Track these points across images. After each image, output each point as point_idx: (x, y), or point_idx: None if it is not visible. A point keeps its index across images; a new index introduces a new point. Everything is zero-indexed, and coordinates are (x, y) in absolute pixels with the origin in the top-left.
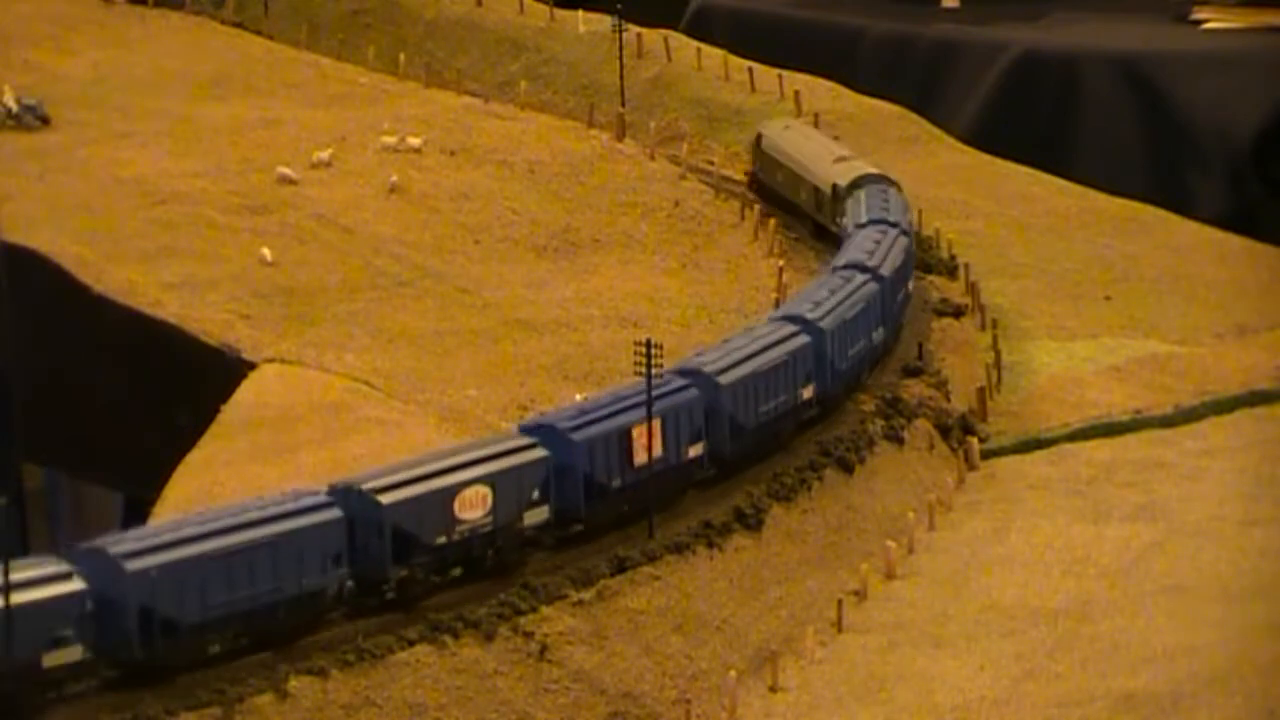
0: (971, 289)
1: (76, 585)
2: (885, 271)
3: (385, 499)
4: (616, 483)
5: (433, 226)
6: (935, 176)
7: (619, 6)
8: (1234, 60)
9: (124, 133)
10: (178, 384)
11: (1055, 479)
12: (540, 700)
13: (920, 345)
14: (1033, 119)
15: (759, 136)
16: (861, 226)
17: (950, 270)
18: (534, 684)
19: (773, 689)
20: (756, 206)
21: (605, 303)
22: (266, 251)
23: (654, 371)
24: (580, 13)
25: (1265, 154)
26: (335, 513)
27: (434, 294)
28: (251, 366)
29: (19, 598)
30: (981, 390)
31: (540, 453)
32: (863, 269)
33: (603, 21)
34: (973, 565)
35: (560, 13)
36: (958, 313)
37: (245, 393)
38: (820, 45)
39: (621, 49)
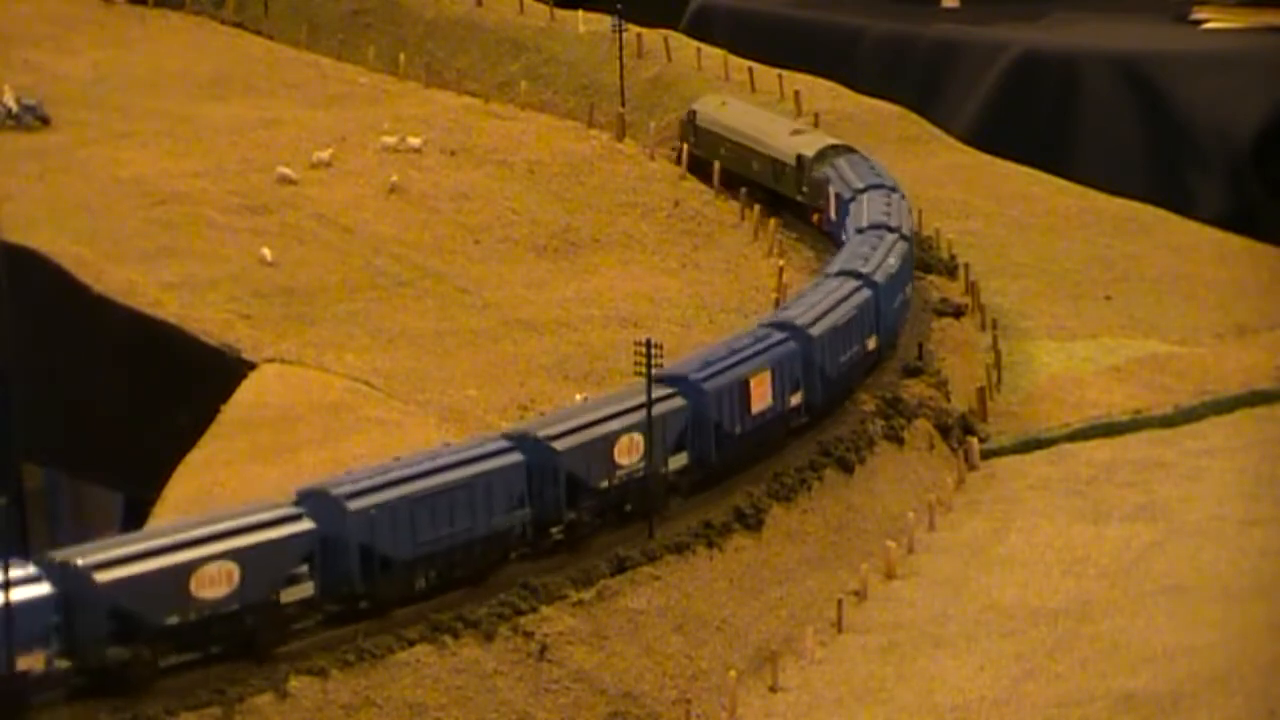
0: (971, 289)
1: (307, 525)
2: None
3: (559, 445)
4: (738, 429)
5: (433, 226)
6: (935, 176)
7: (619, 6)
8: (1234, 60)
9: (124, 133)
10: (178, 384)
11: (1055, 479)
12: (540, 700)
13: (920, 345)
14: (1033, 119)
15: (692, 113)
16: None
17: (950, 270)
18: (534, 684)
19: (773, 689)
20: (756, 206)
21: (605, 303)
22: (266, 251)
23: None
24: (580, 13)
25: (1265, 154)
26: (517, 457)
27: (434, 294)
28: (251, 366)
29: (259, 537)
30: (981, 390)
31: (680, 401)
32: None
33: (603, 21)
34: (973, 565)
35: (560, 13)
36: (958, 313)
37: (245, 393)
38: (820, 45)
39: (621, 49)
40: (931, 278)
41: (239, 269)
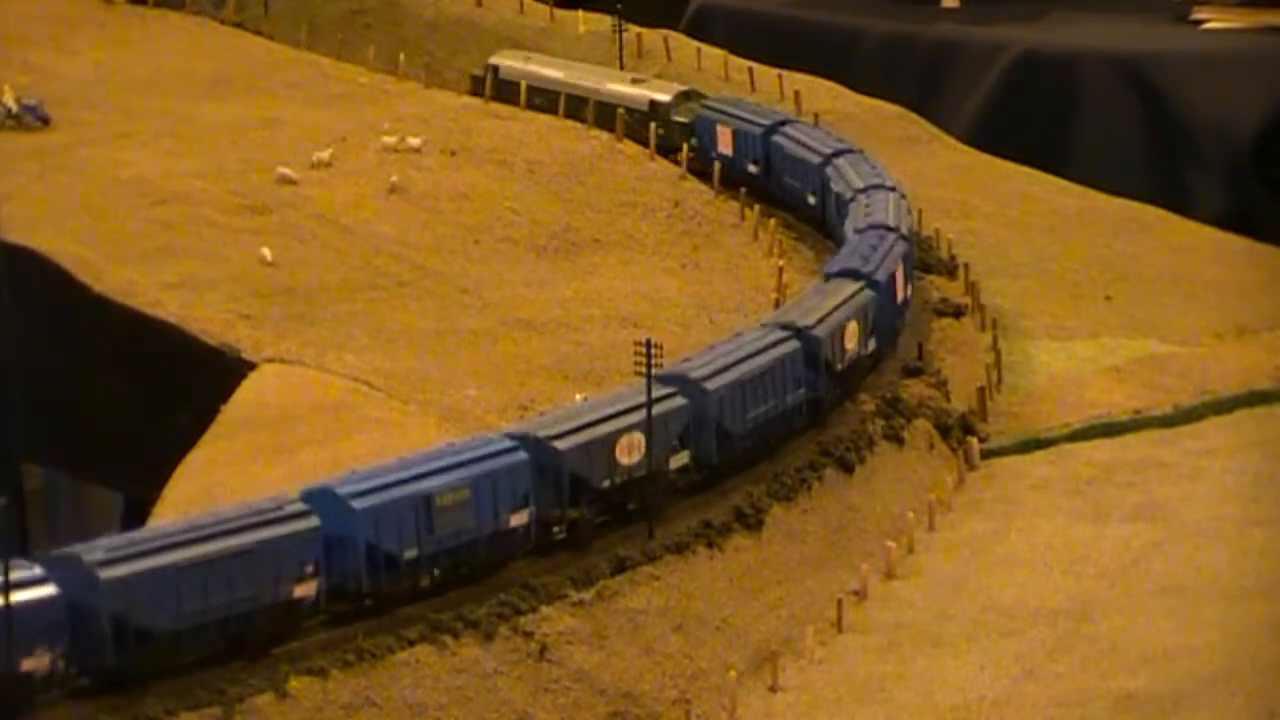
0: (971, 289)
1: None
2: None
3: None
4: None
5: (433, 226)
6: (935, 176)
7: (619, 6)
8: (1234, 60)
9: (124, 133)
10: (178, 384)
11: (1055, 479)
12: (540, 700)
13: (920, 345)
14: (1033, 119)
15: (494, 68)
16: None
17: (950, 270)
18: (534, 684)
19: (773, 689)
20: (756, 206)
21: (605, 303)
22: (266, 251)
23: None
24: (580, 13)
25: (1265, 154)
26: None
27: (434, 294)
28: (251, 366)
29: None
30: (981, 390)
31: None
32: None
33: (603, 21)
34: (973, 565)
35: (560, 13)
36: (958, 313)
37: (245, 393)
38: (820, 45)
39: (621, 49)
40: (931, 278)
41: (239, 269)
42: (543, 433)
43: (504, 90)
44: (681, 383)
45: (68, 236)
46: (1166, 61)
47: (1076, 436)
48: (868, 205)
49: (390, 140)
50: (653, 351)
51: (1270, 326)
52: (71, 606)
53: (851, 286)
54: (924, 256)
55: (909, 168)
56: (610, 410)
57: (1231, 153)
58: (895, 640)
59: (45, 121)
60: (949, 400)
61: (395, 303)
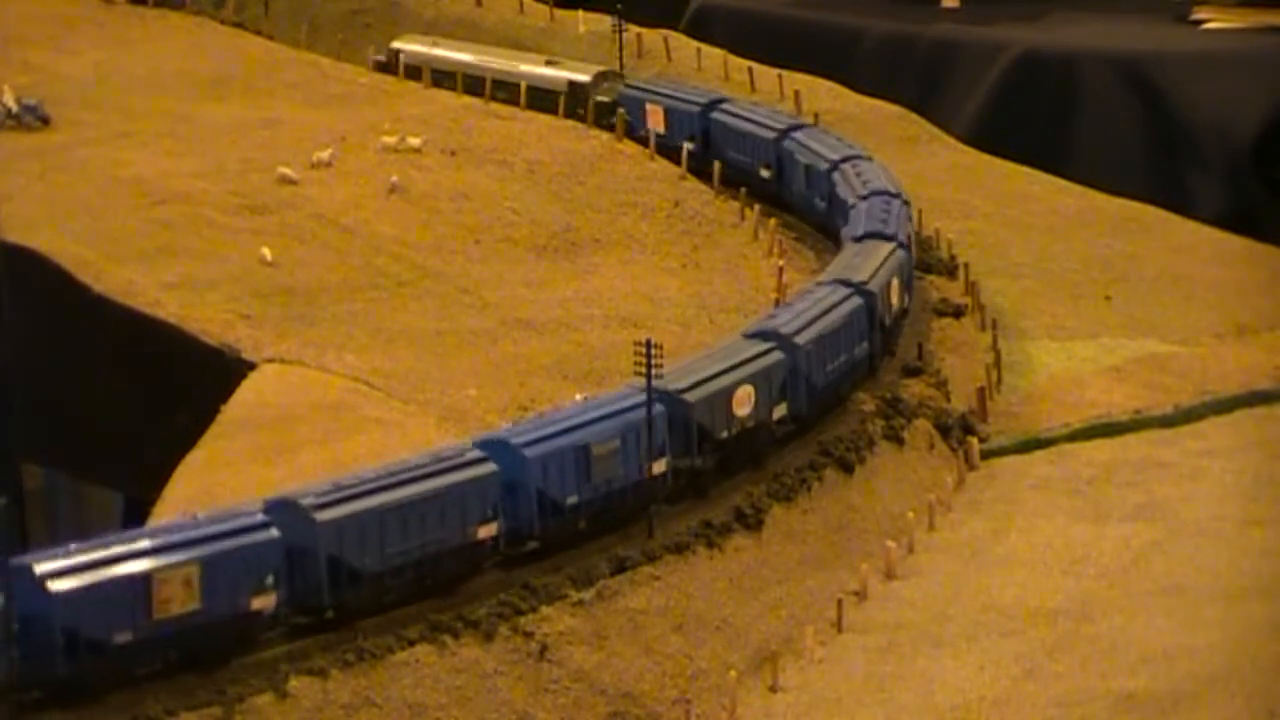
0: (971, 289)
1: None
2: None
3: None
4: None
5: (433, 226)
6: (935, 176)
7: (619, 6)
8: (1234, 60)
9: (124, 133)
10: (178, 384)
11: (1055, 479)
12: (540, 700)
13: (920, 345)
14: (1033, 119)
15: (395, 51)
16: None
17: (950, 270)
18: (534, 684)
19: (773, 689)
20: (756, 206)
21: (605, 303)
22: (266, 251)
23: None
24: (580, 13)
25: (1265, 154)
26: (661, 408)
27: (434, 294)
28: (251, 366)
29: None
30: (981, 390)
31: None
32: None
33: (603, 21)
34: (973, 565)
35: (560, 13)
36: (958, 313)
37: (245, 393)
38: (820, 45)
39: (621, 49)
40: (931, 278)
41: (239, 269)
42: (673, 386)
43: (409, 76)
44: (777, 338)
45: (68, 236)
46: (1166, 61)
47: (1076, 436)
48: (858, 173)
49: (390, 140)
50: (653, 351)
51: (1270, 326)
52: (291, 549)
53: (886, 247)
54: (924, 256)
55: (909, 168)
56: (726, 364)
57: (1231, 153)
58: (895, 640)
59: (45, 121)
60: (949, 400)
61: (395, 303)
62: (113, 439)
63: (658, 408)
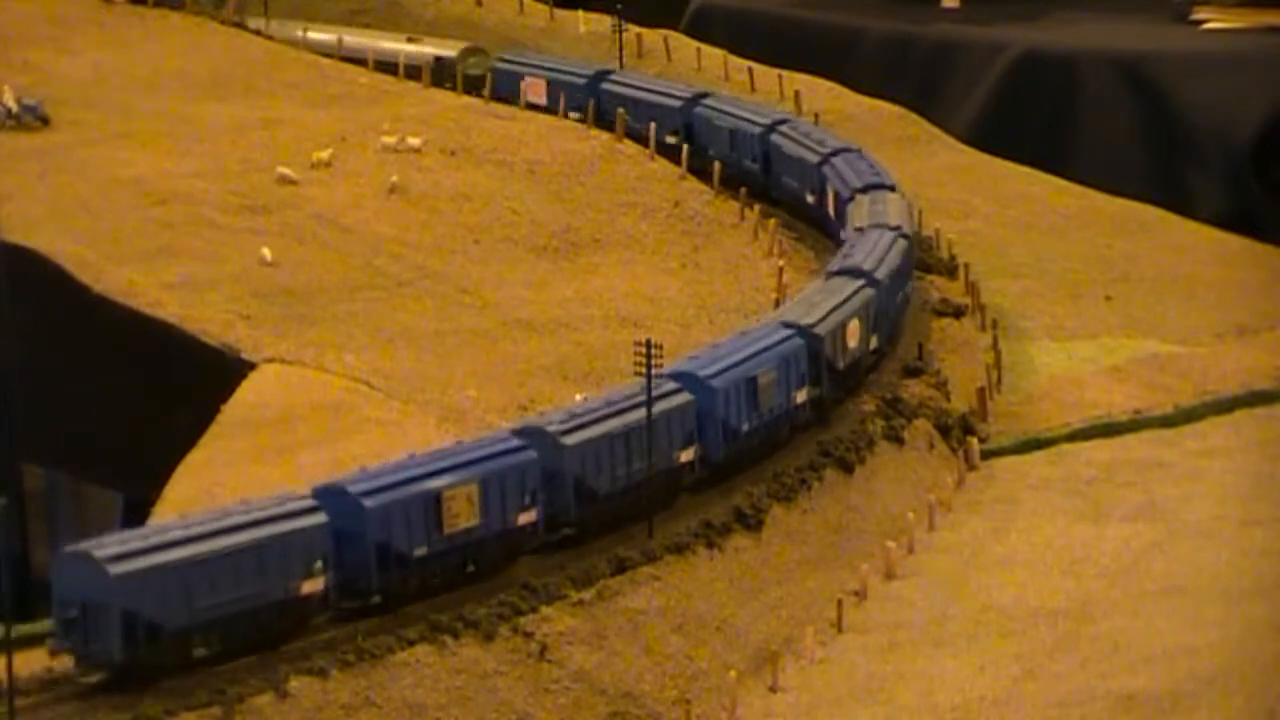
0: (971, 289)
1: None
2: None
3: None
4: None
5: (433, 226)
6: (935, 176)
7: (619, 6)
8: (1234, 60)
9: (124, 133)
10: (178, 384)
11: (1055, 479)
12: (540, 700)
13: (920, 345)
14: (1033, 119)
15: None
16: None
17: (950, 270)
18: (534, 684)
19: (773, 689)
20: (756, 206)
21: (605, 303)
22: (266, 251)
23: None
24: (580, 13)
25: (1265, 154)
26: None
27: (434, 294)
28: (251, 366)
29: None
30: (981, 390)
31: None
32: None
33: (603, 21)
34: (973, 565)
35: (560, 13)
36: (958, 313)
37: (245, 393)
38: (820, 45)
39: (621, 49)
40: (931, 278)
41: (239, 269)
42: (805, 321)
43: None
44: (865, 275)
45: (68, 236)
46: (1166, 61)
47: (1076, 436)
48: (793, 132)
49: (390, 140)
50: (653, 351)
51: (1270, 326)
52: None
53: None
54: (924, 256)
55: (909, 168)
56: (840, 298)
57: (1231, 153)
58: (895, 640)
59: (45, 121)
60: (949, 400)
61: (395, 303)
62: (113, 439)
63: (799, 341)
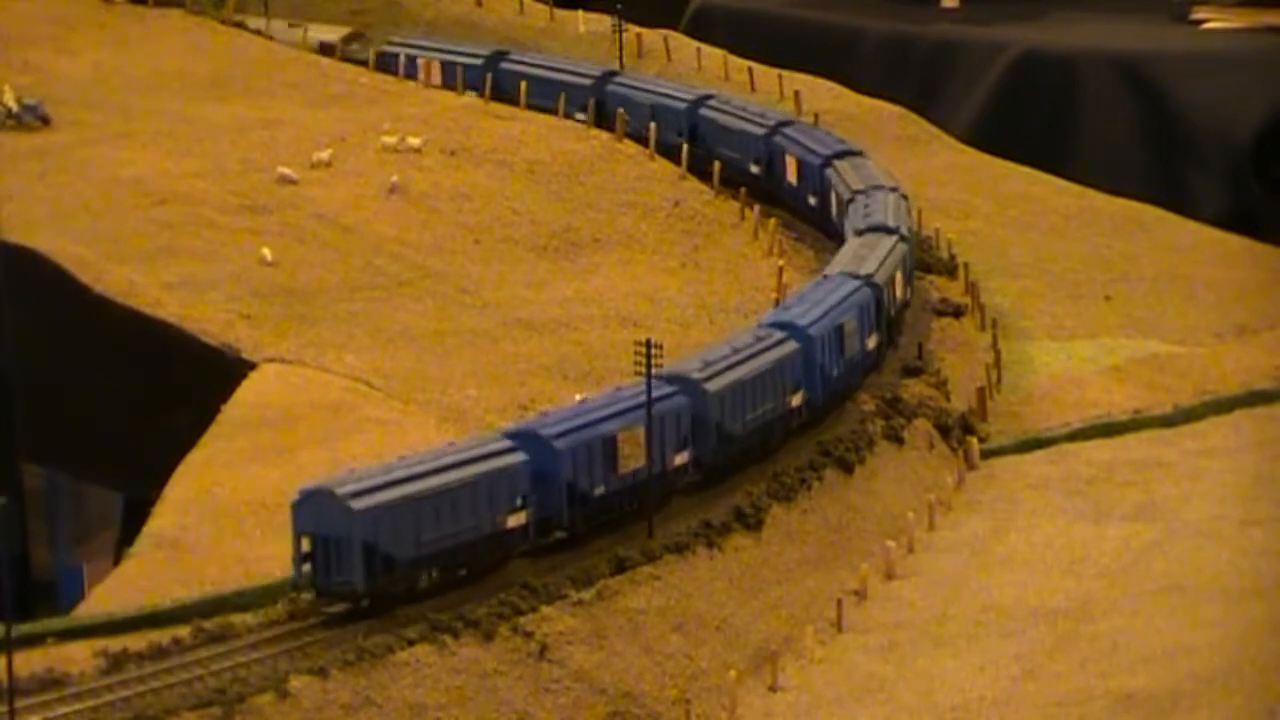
0: (971, 289)
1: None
2: (880, 280)
3: (879, 279)
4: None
5: (433, 226)
6: (935, 176)
7: (619, 6)
8: (1234, 60)
9: (124, 133)
10: (178, 384)
11: (1055, 479)
12: (540, 700)
13: (920, 345)
14: (1033, 119)
15: None
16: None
17: (950, 270)
18: (534, 684)
19: (773, 689)
20: (756, 206)
21: (605, 303)
22: (266, 251)
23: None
24: (580, 13)
25: (1265, 154)
26: (870, 293)
27: (434, 294)
28: (251, 366)
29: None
30: (981, 390)
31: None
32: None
33: (603, 21)
34: (973, 565)
35: (560, 13)
36: (958, 313)
37: (245, 393)
38: (820, 45)
39: (621, 49)
40: (931, 278)
41: (239, 269)
42: (863, 270)
43: None
44: (893, 231)
45: (68, 236)
46: (1166, 61)
47: (1076, 436)
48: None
49: (390, 140)
50: (653, 351)
51: (1270, 326)
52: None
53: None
54: (924, 256)
55: (909, 168)
56: (883, 253)
57: (1231, 153)
58: (895, 640)
59: (45, 121)
60: (949, 400)
61: (395, 303)
62: (113, 439)
63: (869, 292)
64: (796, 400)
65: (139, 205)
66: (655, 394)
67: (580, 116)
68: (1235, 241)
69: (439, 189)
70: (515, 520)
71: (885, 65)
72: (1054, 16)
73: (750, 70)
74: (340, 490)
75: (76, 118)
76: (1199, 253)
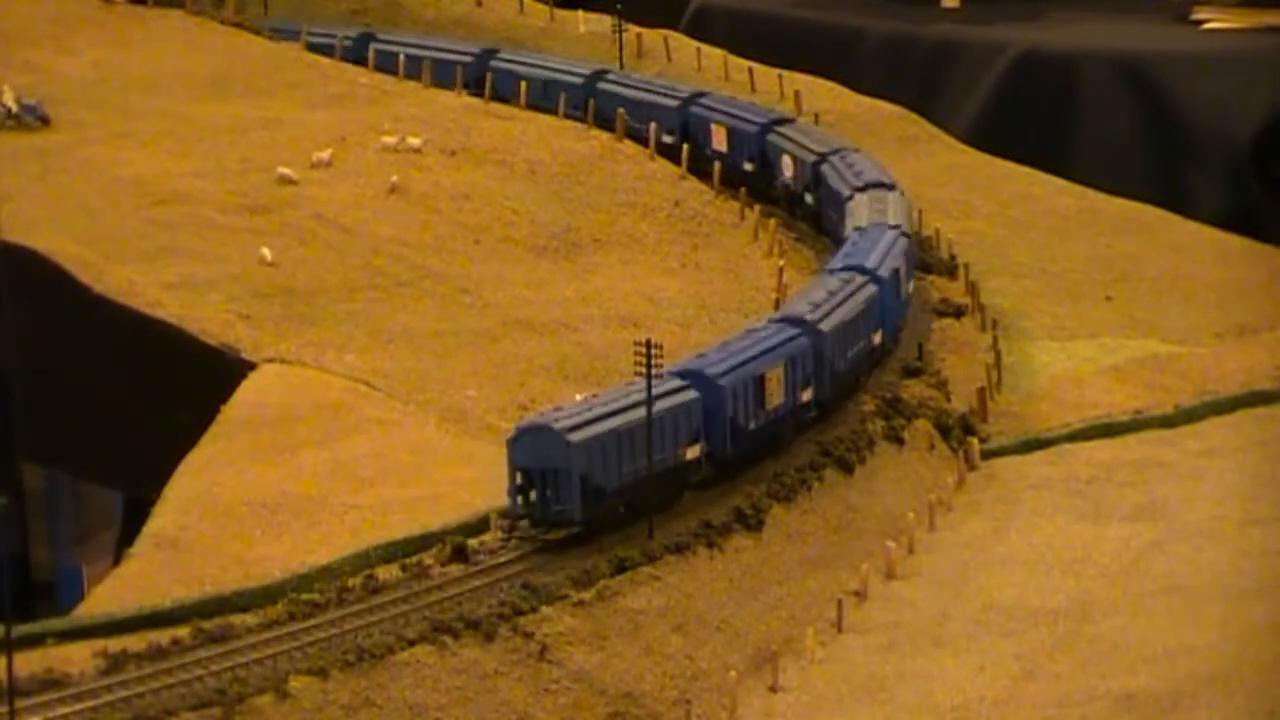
0: (971, 289)
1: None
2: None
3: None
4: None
5: (433, 226)
6: (935, 176)
7: (619, 6)
8: (1234, 60)
9: (124, 133)
10: (178, 384)
11: (1055, 479)
12: (540, 701)
13: (920, 345)
14: (1033, 119)
15: None
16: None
17: (950, 270)
18: (534, 684)
19: (773, 689)
20: (756, 206)
21: (605, 303)
22: (266, 251)
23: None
24: (580, 13)
25: (1265, 154)
26: (869, 286)
27: (434, 294)
28: (251, 366)
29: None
30: (981, 390)
31: (907, 240)
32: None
33: (603, 21)
34: (973, 565)
35: (560, 13)
36: (958, 313)
37: (245, 393)
38: (820, 45)
39: (621, 49)
40: (931, 278)
41: (239, 269)
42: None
43: None
44: (892, 186)
45: (68, 236)
46: (1166, 61)
47: (1076, 436)
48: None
49: (390, 140)
50: (653, 351)
51: (1270, 326)
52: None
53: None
54: (924, 256)
55: (909, 168)
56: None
57: (1231, 153)
58: (895, 640)
59: (45, 121)
60: (949, 400)
61: (395, 303)
62: (113, 439)
63: (905, 239)
64: (877, 339)
65: (139, 205)
66: (783, 336)
67: (466, 93)
68: (1235, 241)
69: (439, 189)
70: (692, 453)
71: (885, 65)
72: (1054, 16)
73: (750, 70)
74: (559, 425)
75: (76, 118)
76: (1199, 253)
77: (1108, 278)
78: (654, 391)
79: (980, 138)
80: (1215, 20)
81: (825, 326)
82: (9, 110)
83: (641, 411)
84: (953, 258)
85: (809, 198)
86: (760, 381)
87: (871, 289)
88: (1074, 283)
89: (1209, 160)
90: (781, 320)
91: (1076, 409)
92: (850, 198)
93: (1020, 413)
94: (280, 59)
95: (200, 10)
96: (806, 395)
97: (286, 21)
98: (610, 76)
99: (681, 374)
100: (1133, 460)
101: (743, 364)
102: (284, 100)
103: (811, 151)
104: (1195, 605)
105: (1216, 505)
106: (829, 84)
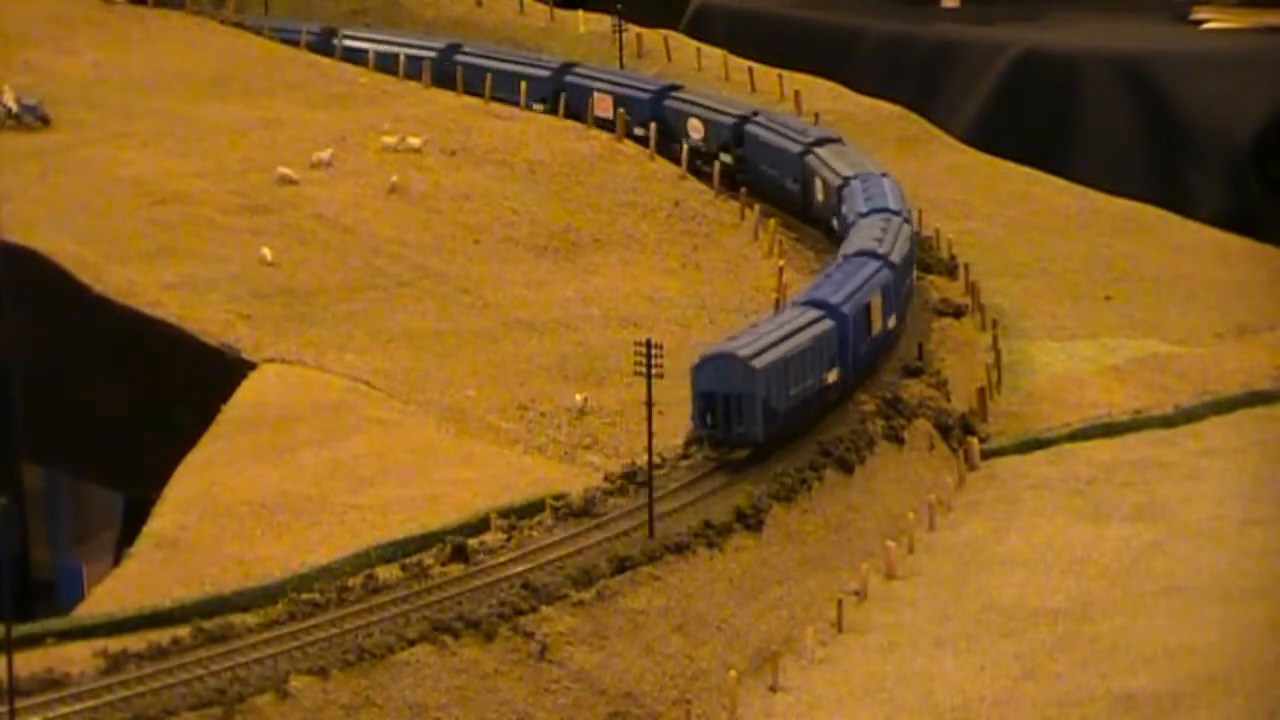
0: (971, 289)
1: (889, 273)
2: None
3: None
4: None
5: (433, 226)
6: (935, 176)
7: (619, 6)
8: (1234, 60)
9: (124, 133)
10: (178, 384)
11: (1055, 479)
12: (540, 700)
13: (920, 345)
14: (1033, 119)
15: None
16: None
17: (950, 270)
18: (534, 684)
19: (773, 689)
20: (756, 206)
21: (605, 303)
22: (266, 251)
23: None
24: (580, 13)
25: (1265, 154)
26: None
27: (434, 294)
28: (251, 366)
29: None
30: (981, 390)
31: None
32: (875, 255)
33: (603, 21)
34: (973, 565)
35: (560, 13)
36: (958, 313)
37: (245, 393)
38: (820, 45)
39: (621, 49)
40: (931, 278)
41: (239, 269)
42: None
43: None
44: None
45: (68, 236)
46: (1166, 61)
47: (1076, 436)
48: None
49: (390, 140)
50: (653, 351)
51: (1270, 326)
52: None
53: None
54: (924, 256)
55: (909, 168)
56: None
57: (1231, 153)
58: (895, 640)
59: (45, 121)
60: (949, 400)
61: (395, 303)
62: (113, 439)
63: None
64: (891, 325)
65: (139, 205)
66: (868, 271)
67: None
68: (1235, 241)
69: (439, 189)
70: (831, 376)
71: (885, 65)
72: (1054, 16)
73: (750, 70)
74: (742, 353)
75: (76, 118)
76: (1199, 253)
77: (1108, 278)
78: (799, 322)
79: (980, 138)
80: (1215, 20)
81: (895, 257)
82: (9, 110)
83: (800, 338)
84: (953, 258)
85: (726, 157)
86: (867, 310)
87: (909, 230)
88: (1074, 283)
89: (1209, 160)
90: (862, 252)
91: (1076, 409)
92: (806, 153)
93: (1020, 413)
94: (280, 59)
95: (200, 10)
96: (892, 323)
97: (288, 22)
98: (467, 48)
99: (812, 304)
100: (1133, 460)
101: (856, 292)
102: (284, 100)
103: (727, 114)
104: (1195, 605)
105: (1216, 505)
106: (829, 84)
